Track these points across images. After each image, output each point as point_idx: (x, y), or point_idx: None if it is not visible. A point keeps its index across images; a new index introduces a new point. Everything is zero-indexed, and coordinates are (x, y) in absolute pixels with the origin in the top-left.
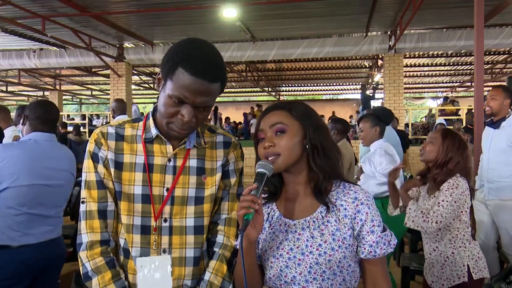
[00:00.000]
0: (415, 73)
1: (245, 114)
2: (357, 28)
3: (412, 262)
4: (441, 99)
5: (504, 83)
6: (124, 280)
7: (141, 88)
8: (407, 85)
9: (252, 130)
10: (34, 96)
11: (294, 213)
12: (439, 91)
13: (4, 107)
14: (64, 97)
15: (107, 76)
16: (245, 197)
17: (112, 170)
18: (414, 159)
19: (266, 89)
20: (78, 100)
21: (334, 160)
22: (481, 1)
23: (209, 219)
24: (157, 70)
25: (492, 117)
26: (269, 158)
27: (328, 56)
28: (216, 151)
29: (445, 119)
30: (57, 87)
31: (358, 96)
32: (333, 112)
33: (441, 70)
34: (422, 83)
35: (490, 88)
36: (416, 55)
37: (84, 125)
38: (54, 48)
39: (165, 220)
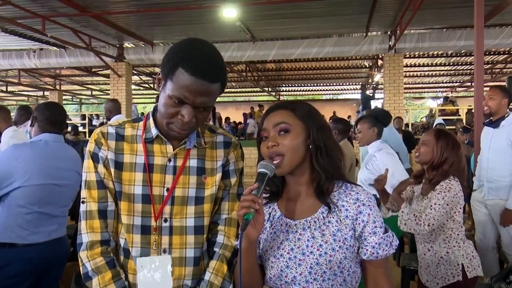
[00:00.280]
0: (415, 73)
1: (244, 114)
2: (357, 28)
3: (412, 262)
4: (441, 99)
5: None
6: (124, 280)
7: (141, 88)
8: (407, 85)
9: (249, 130)
10: (34, 96)
11: (295, 213)
12: (439, 91)
13: (4, 107)
14: (64, 97)
15: (107, 76)
16: (245, 196)
17: (112, 170)
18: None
19: (266, 89)
20: (78, 100)
21: (336, 160)
22: (481, 1)
23: (209, 219)
24: (157, 70)
25: (491, 117)
26: (274, 162)
27: (328, 56)
28: (216, 151)
29: (445, 119)
30: (57, 87)
31: (358, 96)
32: (334, 112)
33: (441, 70)
34: (422, 83)
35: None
36: (416, 55)
37: (84, 125)
38: (54, 48)
39: (165, 220)
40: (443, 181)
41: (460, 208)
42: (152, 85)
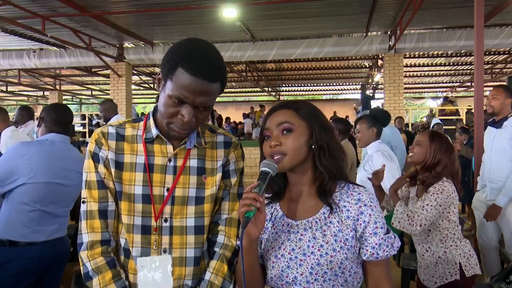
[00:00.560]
0: (415, 73)
1: (244, 115)
2: (357, 28)
3: (412, 262)
4: (441, 99)
5: (504, 83)
6: (124, 280)
7: (141, 88)
8: (407, 85)
9: (245, 129)
10: (34, 96)
11: (297, 214)
12: (439, 91)
13: (2, 107)
14: (64, 97)
15: (107, 76)
16: (247, 194)
17: (113, 170)
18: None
19: (266, 89)
20: (78, 100)
21: (339, 161)
22: (481, 1)
23: (210, 219)
24: (157, 70)
25: (494, 117)
26: (275, 157)
27: (328, 56)
28: (217, 151)
29: (444, 119)
30: (57, 87)
31: (358, 96)
32: (335, 112)
33: (441, 70)
34: (422, 83)
35: (490, 88)
36: (416, 55)
37: (84, 125)
38: (54, 48)
39: (166, 220)
40: (436, 183)
41: (455, 208)
42: (152, 85)
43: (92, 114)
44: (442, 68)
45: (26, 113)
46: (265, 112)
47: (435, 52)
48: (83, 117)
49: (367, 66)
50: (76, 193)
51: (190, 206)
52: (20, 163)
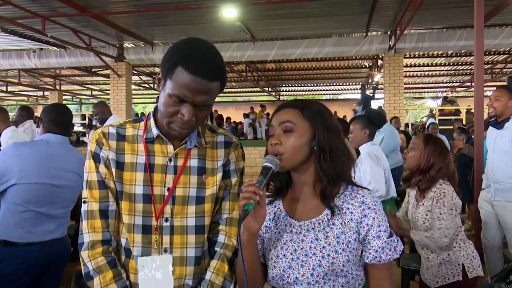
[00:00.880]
0: (415, 73)
1: (245, 115)
2: (357, 28)
3: (412, 262)
4: (441, 99)
5: (504, 83)
6: (125, 279)
7: (141, 88)
8: (407, 85)
9: (245, 129)
10: (34, 96)
11: (300, 214)
12: (439, 91)
13: (2, 107)
14: (64, 97)
15: (107, 76)
16: (247, 188)
17: (114, 170)
18: None
19: (266, 89)
20: (78, 100)
21: (341, 165)
22: (481, 1)
23: (210, 219)
24: (157, 70)
25: (496, 118)
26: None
27: (328, 56)
28: (217, 151)
29: (444, 119)
30: (57, 87)
31: (358, 96)
32: (335, 112)
33: (441, 70)
34: (422, 83)
35: (490, 88)
36: (416, 55)
37: (84, 125)
38: (54, 48)
39: (166, 220)
40: (434, 187)
41: (458, 209)
42: (152, 85)
43: (92, 114)
44: (442, 68)
45: (26, 113)
46: (266, 112)
47: (435, 52)
48: (83, 117)
49: (367, 66)
50: (75, 194)
51: (191, 205)
52: (11, 164)
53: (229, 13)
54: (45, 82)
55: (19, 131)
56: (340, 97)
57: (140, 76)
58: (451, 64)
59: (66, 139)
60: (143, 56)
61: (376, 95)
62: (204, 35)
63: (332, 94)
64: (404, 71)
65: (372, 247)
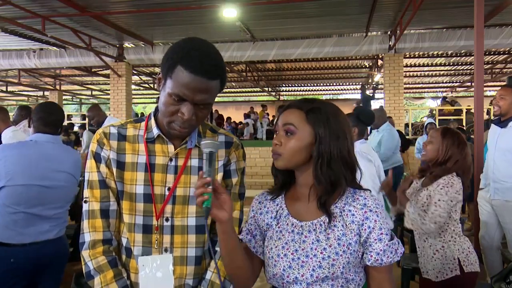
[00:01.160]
0: (415, 73)
1: (246, 115)
2: (357, 28)
3: (412, 262)
4: (440, 99)
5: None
6: (126, 279)
7: (141, 88)
8: (407, 85)
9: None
10: (34, 96)
11: (302, 214)
12: (439, 91)
13: (3, 107)
14: (64, 97)
15: (107, 76)
16: (197, 185)
17: (114, 169)
18: (414, 159)
19: (266, 89)
20: (78, 100)
21: (339, 174)
22: (481, 1)
23: (211, 219)
24: (157, 70)
25: (499, 116)
26: (274, 155)
27: (328, 56)
28: (218, 151)
29: (444, 119)
30: (57, 87)
31: (358, 96)
32: None
33: (441, 70)
34: (422, 83)
35: (490, 88)
36: (416, 55)
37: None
38: (54, 48)
39: (167, 219)
40: (445, 175)
41: (459, 207)
42: (152, 85)
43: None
44: (442, 68)
45: (25, 113)
46: (267, 112)
47: (435, 52)
48: (83, 117)
49: (367, 66)
50: (68, 194)
51: (191, 205)
52: None
53: (229, 13)
54: (45, 82)
55: (19, 131)
56: (340, 97)
57: (140, 76)
58: (451, 64)
59: (58, 138)
60: (143, 56)
61: (376, 95)
62: (204, 35)
63: (332, 94)
64: (404, 71)
65: (374, 249)
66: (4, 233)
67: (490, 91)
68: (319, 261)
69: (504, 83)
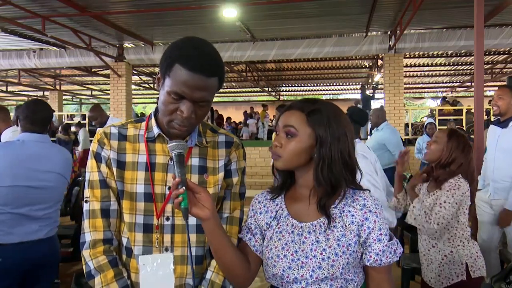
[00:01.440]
0: (415, 73)
1: (246, 114)
2: (357, 28)
3: (412, 262)
4: (440, 99)
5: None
6: (126, 278)
7: (141, 88)
8: (407, 85)
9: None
10: (34, 96)
11: (302, 215)
12: (439, 91)
13: (4, 107)
14: (64, 97)
15: (107, 76)
16: (172, 189)
17: (115, 169)
18: (413, 159)
19: (266, 89)
20: (78, 100)
21: (339, 177)
22: (481, 1)
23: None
24: (157, 70)
25: (499, 116)
26: (273, 156)
27: (328, 56)
28: (218, 151)
29: (444, 119)
30: (57, 87)
31: (358, 96)
32: None
33: (441, 70)
34: (422, 83)
35: (490, 88)
36: (416, 55)
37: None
38: (54, 48)
39: (167, 219)
40: (451, 179)
41: (467, 208)
42: (152, 85)
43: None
44: (442, 68)
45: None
46: (268, 112)
47: (435, 52)
48: (83, 117)
49: (367, 66)
50: (57, 194)
51: None
52: None
53: (229, 13)
54: (45, 82)
55: (19, 131)
56: (340, 97)
57: (140, 76)
58: (451, 64)
59: (46, 137)
60: (143, 56)
61: (376, 95)
62: (204, 35)
63: (332, 94)
64: (404, 71)
65: (373, 250)
66: None
67: (490, 91)
68: (318, 262)
69: (504, 83)
